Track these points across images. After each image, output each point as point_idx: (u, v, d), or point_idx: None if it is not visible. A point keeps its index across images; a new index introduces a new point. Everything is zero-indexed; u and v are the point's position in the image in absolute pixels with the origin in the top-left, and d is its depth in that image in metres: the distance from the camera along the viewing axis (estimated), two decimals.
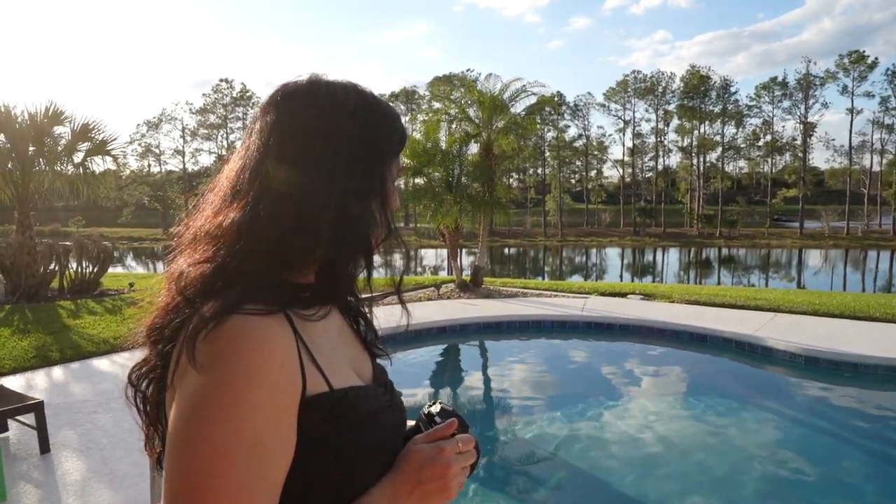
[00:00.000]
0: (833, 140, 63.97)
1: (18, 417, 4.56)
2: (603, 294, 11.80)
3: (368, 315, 1.00)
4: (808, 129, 60.76)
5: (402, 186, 13.73)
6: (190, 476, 0.68)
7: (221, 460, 0.67)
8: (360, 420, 0.80)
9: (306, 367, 0.76)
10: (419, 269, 36.17)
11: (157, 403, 0.84)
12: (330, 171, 0.81)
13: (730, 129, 65.85)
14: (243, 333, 0.71)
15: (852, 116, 58.17)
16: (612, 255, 47.60)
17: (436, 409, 0.91)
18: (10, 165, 12.21)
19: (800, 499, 4.47)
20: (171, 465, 0.69)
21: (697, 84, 63.14)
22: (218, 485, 0.67)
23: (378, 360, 1.00)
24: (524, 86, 13.49)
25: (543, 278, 33.15)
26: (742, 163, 71.92)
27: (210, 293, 0.76)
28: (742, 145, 67.56)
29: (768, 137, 64.76)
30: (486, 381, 7.59)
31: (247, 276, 0.77)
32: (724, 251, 47.98)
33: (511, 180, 64.87)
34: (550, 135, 66.24)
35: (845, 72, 57.30)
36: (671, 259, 45.02)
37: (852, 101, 57.71)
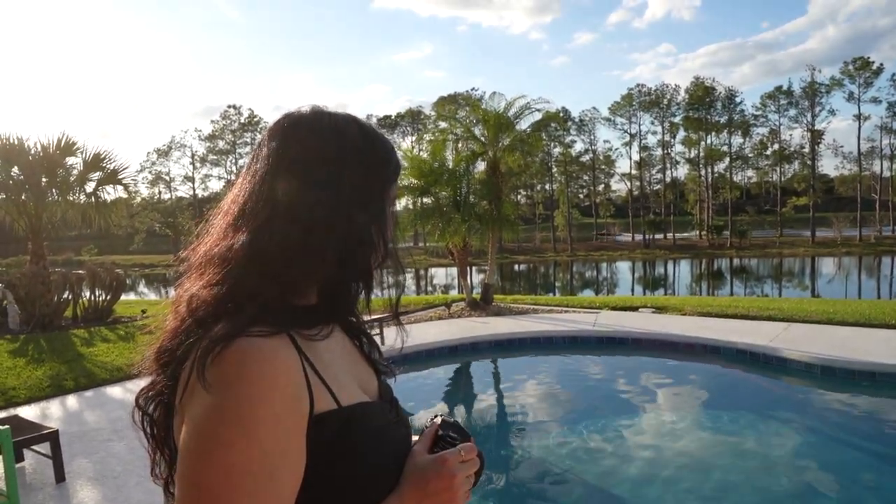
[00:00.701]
0: (842, 147, 63.22)
1: (34, 447, 4.59)
2: (614, 308, 11.74)
3: (373, 334, 1.02)
4: (816, 136, 60.54)
5: (411, 206, 13.79)
6: (201, 499, 0.69)
7: (231, 483, 0.69)
8: (368, 436, 0.82)
9: (313, 386, 0.77)
10: (429, 289, 36.14)
11: (164, 427, 0.85)
12: (335, 196, 0.84)
13: (737, 140, 65.77)
14: (248, 356, 0.72)
15: (860, 123, 57.93)
16: (623, 268, 47.40)
17: (437, 421, 0.92)
18: (23, 197, 12.40)
19: None
20: (182, 489, 0.71)
21: (702, 95, 63.19)
22: None
23: (384, 378, 1.01)
24: (529, 103, 13.56)
25: (554, 294, 33.03)
26: (750, 172, 71.57)
27: (220, 315, 0.78)
28: (750, 155, 67.28)
29: (776, 146, 64.48)
30: (499, 398, 7.55)
31: (256, 298, 0.79)
32: (736, 261, 47.66)
33: (518, 197, 64.92)
34: (557, 150, 66.40)
35: (851, 78, 57.15)
36: (682, 271, 44.77)
37: (859, 108, 57.52)
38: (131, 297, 26.77)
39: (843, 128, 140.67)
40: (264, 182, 0.84)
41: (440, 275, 41.81)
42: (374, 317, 1.03)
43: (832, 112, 62.55)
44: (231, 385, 0.71)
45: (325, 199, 0.83)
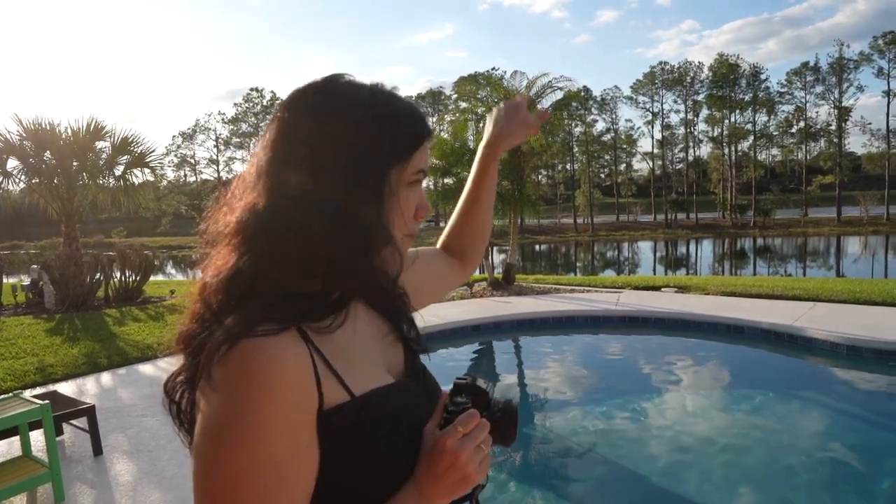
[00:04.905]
0: (870, 124, 62.08)
1: (72, 421, 4.76)
2: (637, 288, 11.71)
3: (402, 306, 0.97)
4: (843, 113, 59.09)
5: (432, 187, 13.79)
6: (213, 497, 0.70)
7: (240, 484, 0.69)
8: (381, 424, 0.80)
9: (323, 379, 0.75)
10: None
11: (190, 411, 0.83)
12: (327, 174, 0.80)
13: (761, 117, 64.55)
14: (253, 358, 0.71)
15: (889, 99, 56.41)
16: (645, 248, 46.98)
17: (447, 390, 0.87)
18: (55, 181, 12.65)
19: (845, 492, 4.40)
20: (196, 485, 0.72)
21: (726, 73, 61.95)
22: None
23: (414, 351, 0.97)
24: (550, 81, 13.46)
25: (576, 274, 32.89)
26: (775, 150, 70.35)
27: (231, 302, 0.77)
28: (774, 133, 66.05)
29: (801, 124, 63.17)
30: (522, 377, 7.60)
31: (259, 280, 0.78)
32: (759, 241, 46.97)
33: (539, 177, 64.44)
34: (578, 130, 65.71)
35: (881, 53, 55.53)
36: (705, 251, 44.26)
37: (888, 84, 56.00)
38: (160, 277, 27.18)
39: (871, 104, 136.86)
40: (264, 160, 0.82)
41: None
42: None
43: (860, 88, 61.23)
44: (236, 387, 0.70)
45: (319, 176, 0.79)
